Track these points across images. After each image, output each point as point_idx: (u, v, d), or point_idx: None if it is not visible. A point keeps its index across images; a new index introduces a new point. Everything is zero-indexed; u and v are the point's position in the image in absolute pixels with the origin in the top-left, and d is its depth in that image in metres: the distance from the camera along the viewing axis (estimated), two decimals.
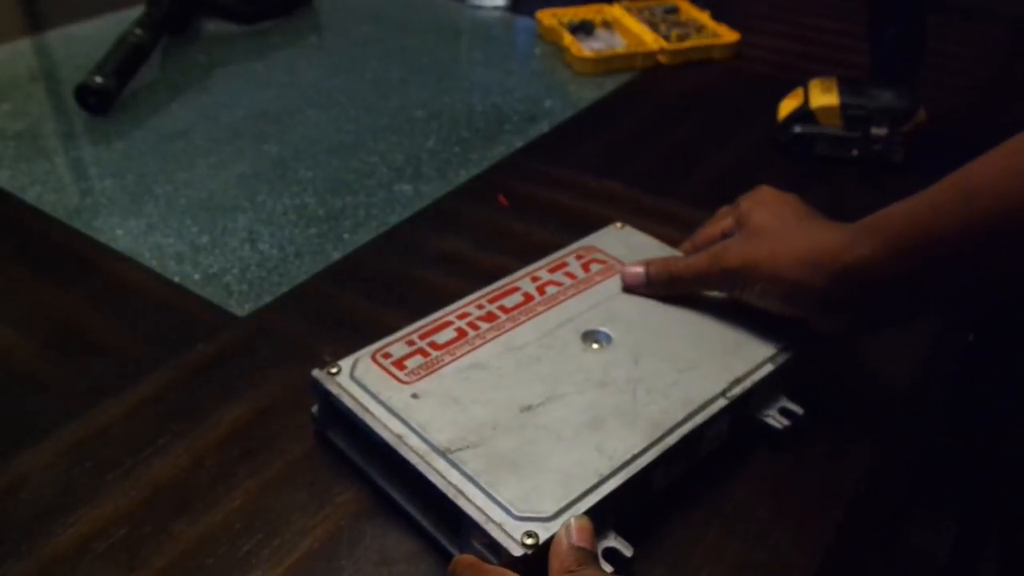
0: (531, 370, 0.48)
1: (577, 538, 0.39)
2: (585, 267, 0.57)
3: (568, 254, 0.58)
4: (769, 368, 0.49)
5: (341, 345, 0.49)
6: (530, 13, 1.10)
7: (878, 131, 0.77)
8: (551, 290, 0.55)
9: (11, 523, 0.44)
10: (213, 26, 1.06)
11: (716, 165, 0.79)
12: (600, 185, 0.75)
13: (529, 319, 0.52)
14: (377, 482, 0.46)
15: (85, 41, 0.99)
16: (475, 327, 0.51)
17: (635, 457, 0.43)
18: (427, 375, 0.48)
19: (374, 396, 0.46)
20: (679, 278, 0.53)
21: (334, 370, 0.48)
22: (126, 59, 0.88)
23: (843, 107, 0.77)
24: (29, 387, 0.53)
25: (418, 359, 0.49)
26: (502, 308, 0.53)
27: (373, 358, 0.49)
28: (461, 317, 0.52)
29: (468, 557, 0.40)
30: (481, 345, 0.50)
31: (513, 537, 0.39)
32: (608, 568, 0.40)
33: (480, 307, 0.53)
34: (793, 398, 0.50)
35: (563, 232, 0.68)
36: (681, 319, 0.53)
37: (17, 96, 0.88)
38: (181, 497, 0.46)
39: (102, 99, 0.84)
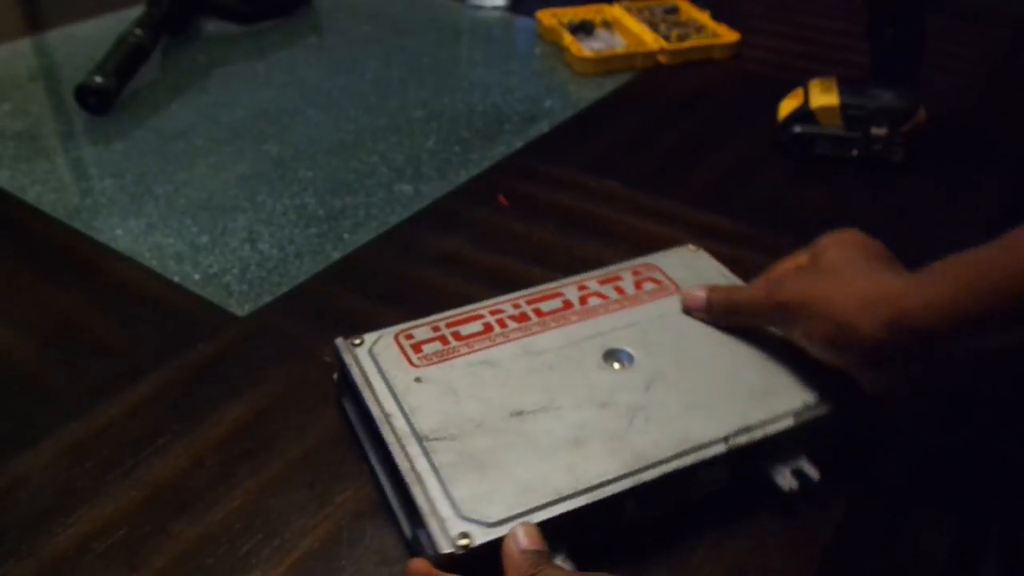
0: (539, 377, 0.48)
1: (526, 543, 0.38)
2: (638, 284, 0.55)
3: (625, 268, 0.56)
4: (788, 423, 0.45)
5: None
6: (530, 13, 1.10)
7: (878, 131, 0.77)
8: (593, 301, 0.53)
9: (11, 523, 0.44)
10: (213, 26, 1.06)
11: (716, 165, 0.79)
12: (600, 185, 0.75)
13: (559, 327, 0.51)
14: (367, 454, 0.47)
15: (85, 41, 0.99)
16: (503, 325, 0.51)
17: (603, 484, 0.41)
18: (438, 362, 0.48)
19: (382, 373, 0.47)
20: (737, 308, 0.51)
21: (357, 341, 0.49)
22: (126, 59, 0.88)
23: (843, 107, 0.77)
24: (29, 387, 0.53)
25: (436, 346, 0.49)
26: (537, 311, 0.52)
27: (396, 337, 0.49)
28: (493, 313, 0.52)
29: (418, 563, 0.39)
30: (502, 343, 0.50)
31: (448, 534, 0.39)
32: None
33: (516, 306, 0.52)
34: (817, 459, 0.46)
35: (563, 232, 0.68)
36: (717, 354, 0.50)
37: (17, 96, 0.88)
38: (181, 497, 0.46)
39: (102, 99, 0.84)
